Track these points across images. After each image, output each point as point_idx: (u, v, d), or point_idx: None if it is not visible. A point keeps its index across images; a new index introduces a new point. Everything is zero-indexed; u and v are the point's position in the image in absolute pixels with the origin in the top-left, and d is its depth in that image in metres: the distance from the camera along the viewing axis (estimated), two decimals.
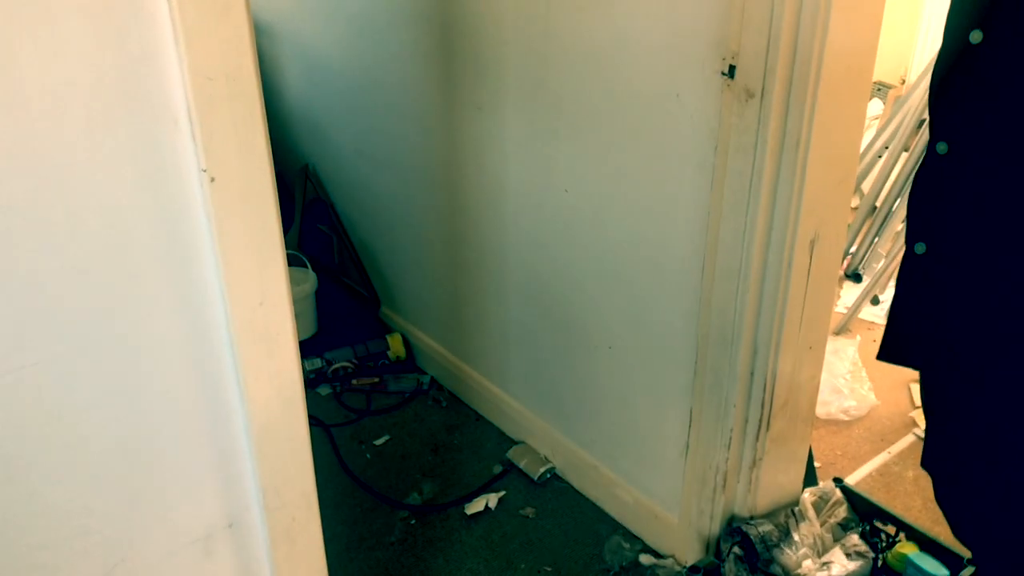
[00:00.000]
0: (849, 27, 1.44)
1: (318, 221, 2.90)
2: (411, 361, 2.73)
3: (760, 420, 1.76)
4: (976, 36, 0.93)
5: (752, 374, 1.71)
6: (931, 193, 1.02)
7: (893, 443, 2.47)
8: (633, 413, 2.00)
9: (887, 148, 3.30)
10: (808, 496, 1.91)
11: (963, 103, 0.97)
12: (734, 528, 1.82)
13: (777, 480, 1.86)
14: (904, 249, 1.06)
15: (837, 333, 2.98)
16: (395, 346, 2.68)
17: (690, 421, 1.83)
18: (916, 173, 1.03)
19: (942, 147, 0.99)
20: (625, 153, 1.76)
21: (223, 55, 0.90)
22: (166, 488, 1.07)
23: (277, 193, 1.01)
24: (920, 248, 1.03)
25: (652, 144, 1.70)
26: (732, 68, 1.49)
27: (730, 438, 1.77)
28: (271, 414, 1.09)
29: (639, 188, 1.76)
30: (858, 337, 2.89)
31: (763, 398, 1.73)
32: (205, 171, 0.93)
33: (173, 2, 0.86)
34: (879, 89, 4.01)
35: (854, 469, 2.35)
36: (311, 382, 2.61)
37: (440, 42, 2.13)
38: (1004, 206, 0.96)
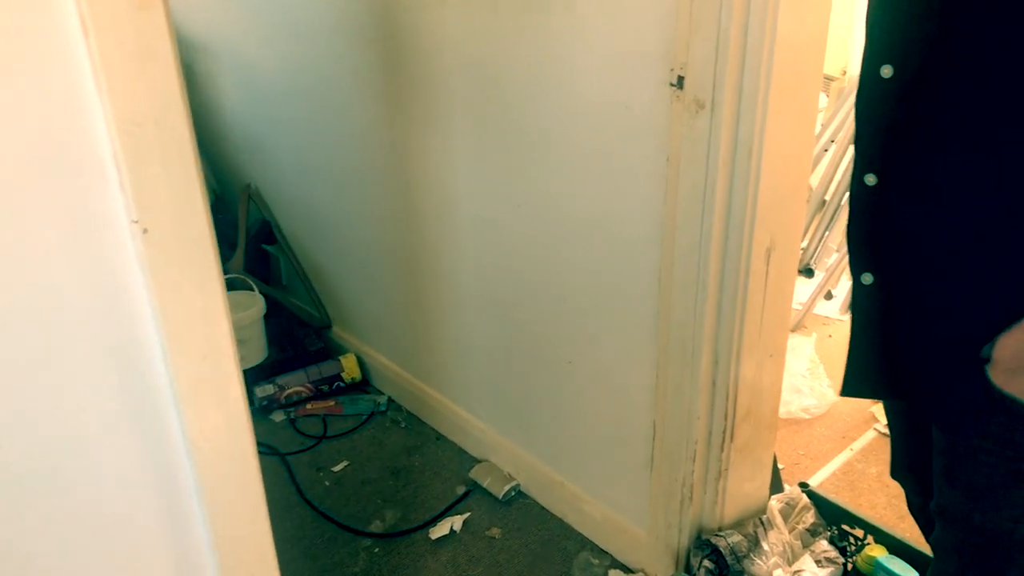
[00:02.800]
0: (798, 28, 1.42)
1: (264, 242, 2.83)
2: (367, 382, 2.67)
3: (724, 430, 1.74)
4: (887, 71, 0.92)
5: (714, 384, 1.69)
6: (868, 223, 1.01)
7: (855, 440, 2.48)
8: (596, 427, 1.97)
9: (833, 142, 3.32)
10: (775, 503, 1.89)
11: (882, 136, 0.97)
12: (703, 540, 1.80)
13: (744, 489, 1.85)
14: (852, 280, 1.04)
15: (793, 330, 2.98)
16: (350, 367, 2.62)
17: (654, 434, 1.81)
18: (849, 204, 1.02)
19: (871, 178, 0.98)
20: (577, 167, 1.73)
21: (150, 100, 0.85)
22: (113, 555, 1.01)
23: (215, 238, 0.96)
24: (867, 279, 1.01)
25: (604, 157, 1.67)
26: (681, 79, 1.46)
27: (695, 450, 1.74)
28: (221, 470, 1.03)
29: (593, 202, 1.73)
30: (814, 334, 2.90)
31: (726, 408, 1.71)
32: (137, 222, 0.88)
33: (94, 46, 0.81)
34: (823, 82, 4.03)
35: (817, 469, 2.35)
36: (264, 409, 2.54)
37: (383, 57, 2.07)
38: (934, 237, 0.95)
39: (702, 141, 1.46)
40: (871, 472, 2.33)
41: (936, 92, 0.91)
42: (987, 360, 0.95)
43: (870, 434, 2.49)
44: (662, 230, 1.60)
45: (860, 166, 0.99)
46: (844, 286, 3.15)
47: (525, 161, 1.83)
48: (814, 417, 2.54)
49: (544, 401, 2.08)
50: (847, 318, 3.02)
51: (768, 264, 1.60)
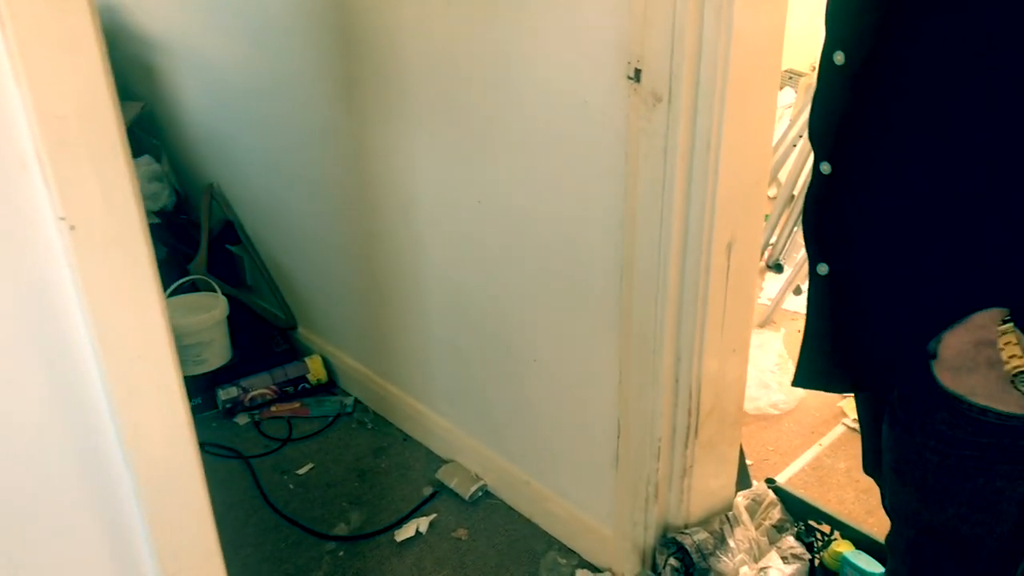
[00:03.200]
0: (755, 20, 1.40)
1: (227, 242, 2.79)
2: (333, 384, 2.64)
3: (688, 427, 1.72)
4: (839, 58, 0.92)
5: (677, 381, 1.67)
6: (823, 212, 0.99)
7: (824, 435, 2.47)
8: (561, 426, 1.95)
9: (802, 136, 3.32)
10: (741, 500, 1.88)
11: (836, 124, 0.95)
12: (669, 539, 1.78)
13: (709, 486, 1.83)
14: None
15: (761, 326, 2.97)
16: (315, 369, 2.58)
17: (618, 432, 1.79)
18: (806, 193, 1.00)
19: (825, 167, 0.96)
20: (537, 163, 1.71)
21: (74, 92, 0.82)
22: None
23: (149, 235, 0.93)
24: (822, 269, 0.99)
25: (563, 153, 1.65)
26: (638, 72, 1.44)
27: (659, 447, 1.72)
28: (161, 474, 1.00)
29: (553, 198, 1.71)
30: (783, 329, 2.89)
31: (689, 405, 1.70)
32: (63, 219, 0.84)
33: (11, 36, 0.77)
34: (790, 78, 4.02)
35: (786, 464, 2.34)
36: (228, 411, 2.50)
37: (342, 55, 2.04)
38: (886, 228, 0.93)
39: (660, 135, 1.45)
40: (840, 467, 2.32)
41: (886, 80, 0.89)
42: (933, 356, 0.93)
43: (839, 429, 2.49)
44: (623, 226, 1.59)
45: (816, 155, 0.98)
46: None
47: (485, 157, 1.81)
48: (783, 412, 2.53)
49: (510, 400, 2.05)
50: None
51: (729, 259, 1.59)
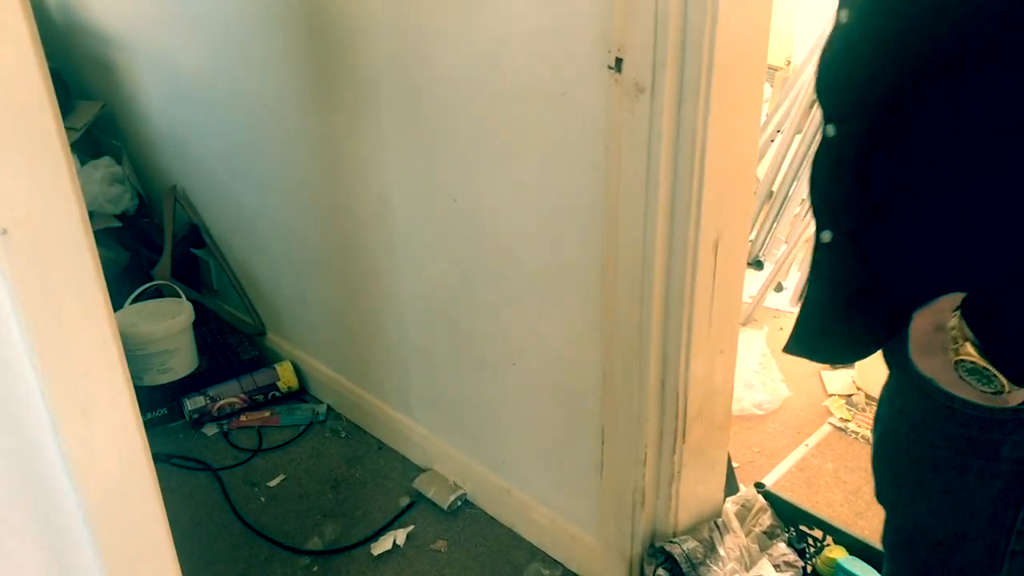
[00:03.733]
0: (741, 9, 1.34)
1: (192, 245, 2.70)
2: (304, 390, 2.55)
3: (675, 431, 1.65)
4: (843, 16, 0.86)
5: (663, 384, 1.61)
6: (827, 177, 0.93)
7: (809, 435, 2.42)
8: (543, 432, 1.87)
9: (780, 132, 3.27)
10: (731, 506, 1.82)
11: (842, 82, 0.89)
12: (657, 548, 1.72)
13: (698, 492, 1.77)
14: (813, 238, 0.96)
15: (743, 324, 2.92)
16: (286, 376, 2.50)
17: (602, 437, 1.72)
18: (813, 159, 0.93)
19: (830, 129, 0.90)
20: (514, 158, 1.64)
21: (2, 83, 0.74)
22: None
23: (92, 239, 0.84)
24: (826, 236, 0.93)
25: (541, 147, 1.58)
26: (619, 61, 1.37)
27: (645, 453, 1.66)
28: (113, 500, 0.92)
29: (531, 194, 1.64)
30: (765, 327, 2.83)
31: (676, 408, 1.63)
32: None
33: None
34: (767, 73, 3.98)
35: (773, 466, 2.28)
36: (195, 422, 2.41)
37: (309, 50, 1.96)
38: (891, 194, 0.87)
39: (643, 128, 1.38)
40: (827, 468, 2.27)
41: (895, 39, 0.82)
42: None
43: (825, 428, 2.43)
44: (603, 223, 1.52)
45: (824, 117, 0.92)
46: (794, 278, 3.10)
47: (460, 153, 1.73)
48: (767, 413, 2.48)
49: (489, 405, 1.98)
50: (797, 309, 2.97)
51: (716, 257, 1.52)
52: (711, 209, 1.46)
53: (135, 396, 0.92)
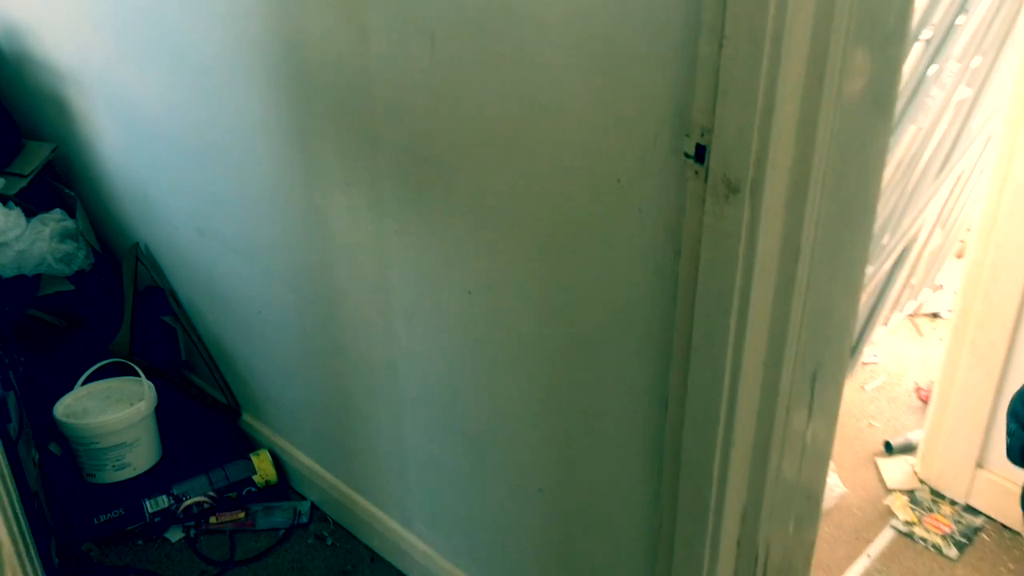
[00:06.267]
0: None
1: (158, 312, 2.34)
2: (286, 484, 2.20)
3: None
4: None
5: (739, 543, 1.27)
6: None
7: (870, 541, 2.09)
8: (573, 567, 1.54)
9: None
10: None
11: None
12: None
13: None
14: None
15: None
16: (263, 468, 2.15)
17: None
18: None
19: None
20: (546, 249, 1.30)
21: None
22: None
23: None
24: None
25: (583, 241, 1.24)
26: (702, 150, 1.04)
27: None
28: None
29: (569, 295, 1.31)
30: None
31: (754, 571, 1.30)
32: None
33: None
34: None
35: None
36: (156, 526, 2.06)
37: (295, 103, 1.62)
38: None
39: (733, 237, 1.04)
40: None
41: None
42: None
43: (887, 534, 2.11)
44: (665, 342, 1.18)
45: None
46: None
47: (479, 239, 1.40)
48: (823, 514, 2.14)
49: (506, 528, 1.65)
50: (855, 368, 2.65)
51: (812, 393, 1.19)
52: (812, 337, 1.13)
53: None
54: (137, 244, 2.31)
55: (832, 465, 2.26)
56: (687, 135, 1.05)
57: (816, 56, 0.96)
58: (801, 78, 0.97)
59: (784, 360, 1.13)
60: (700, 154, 1.04)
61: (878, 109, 1.06)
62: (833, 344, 1.20)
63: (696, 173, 1.06)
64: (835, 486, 2.20)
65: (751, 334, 1.10)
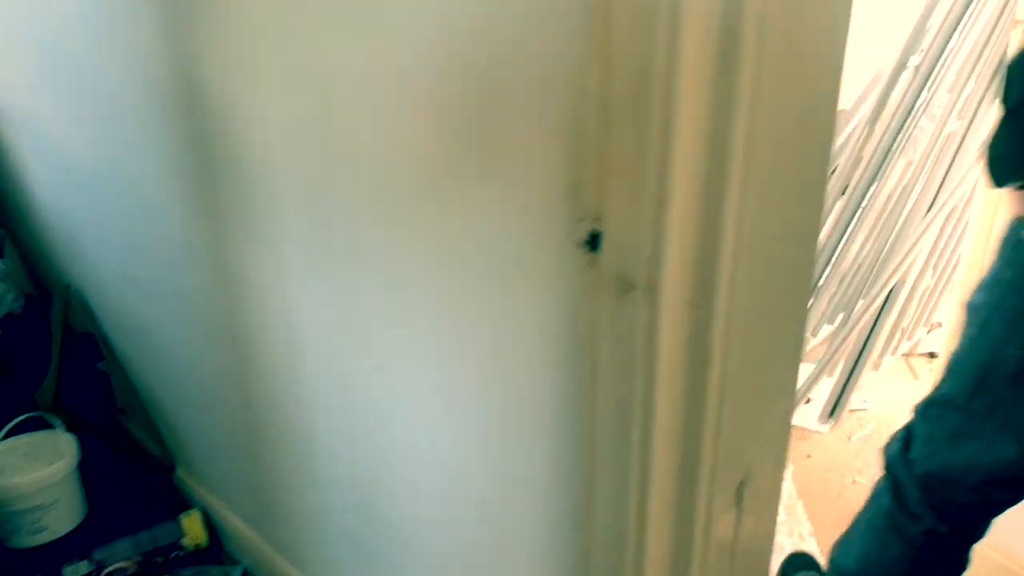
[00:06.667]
0: (789, 168, 0.85)
1: (95, 358, 2.21)
2: (217, 547, 2.06)
3: None
4: None
5: None
6: None
7: None
8: None
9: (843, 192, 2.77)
10: None
11: None
12: None
13: None
14: None
15: None
16: (193, 530, 2.01)
17: None
18: None
19: None
20: (448, 327, 1.15)
21: None
22: None
23: None
24: None
25: (485, 323, 1.09)
26: (594, 237, 0.88)
27: None
28: None
29: (472, 378, 1.15)
30: (791, 466, 2.34)
31: None
32: None
33: None
34: None
35: None
36: None
37: (204, 151, 1.47)
38: None
39: (631, 340, 0.89)
40: None
41: None
42: None
43: None
44: (574, 452, 1.03)
45: None
46: (825, 387, 2.59)
47: (381, 306, 1.25)
48: None
49: None
50: (828, 428, 2.47)
51: (740, 505, 1.03)
52: (736, 448, 0.98)
53: None
54: (68, 286, 2.18)
55: (809, 526, 2.10)
56: (579, 219, 0.89)
57: (717, 131, 0.80)
58: (701, 160, 0.81)
59: (701, 473, 0.97)
60: (594, 243, 0.89)
61: (805, 189, 0.91)
62: (765, 447, 1.05)
63: (591, 264, 0.90)
64: (810, 544, 2.04)
65: (658, 447, 0.94)
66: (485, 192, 0.99)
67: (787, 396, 1.04)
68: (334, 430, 1.48)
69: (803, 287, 0.96)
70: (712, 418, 0.93)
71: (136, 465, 2.16)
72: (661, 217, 0.81)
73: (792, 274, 0.93)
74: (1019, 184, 1.37)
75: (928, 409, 1.60)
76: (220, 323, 1.66)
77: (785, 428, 1.07)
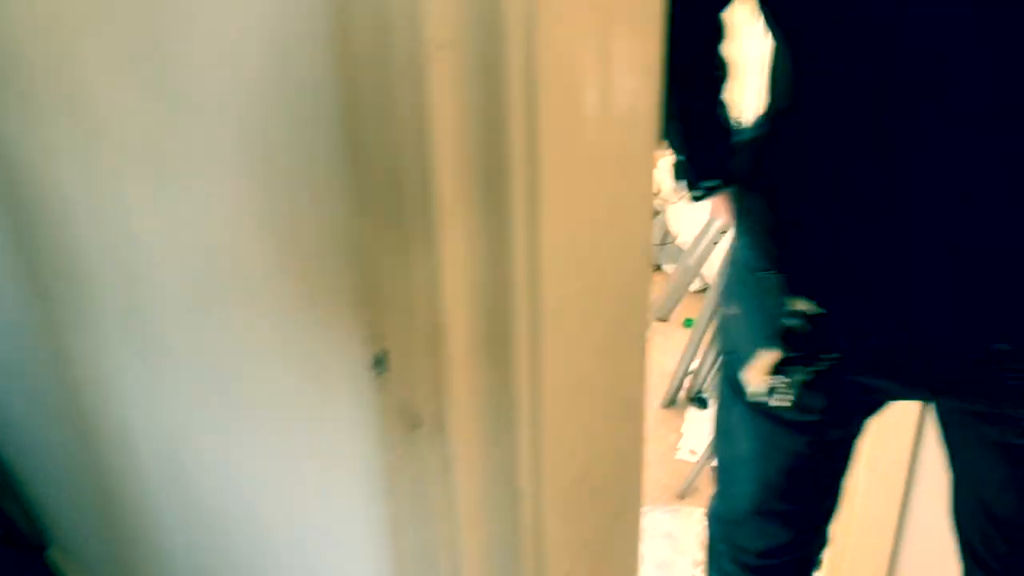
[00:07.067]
0: (584, 277, 0.74)
1: None
2: None
3: None
4: None
5: None
6: None
7: None
8: None
9: (723, 233, 2.69)
10: None
11: None
12: None
13: None
14: None
15: (681, 498, 2.32)
16: None
17: None
18: None
19: None
20: (272, 441, 1.03)
21: None
22: None
23: None
24: None
25: (299, 443, 0.97)
26: (380, 360, 0.76)
27: None
28: None
29: (298, 500, 1.03)
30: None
31: None
32: None
33: None
34: None
35: None
36: None
37: (22, 230, 1.34)
38: None
39: (427, 479, 0.77)
40: None
41: None
42: None
43: None
44: None
45: None
46: None
47: (199, 406, 1.13)
48: None
49: None
50: None
51: None
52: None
53: None
54: None
55: None
56: (368, 340, 0.78)
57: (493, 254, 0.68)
58: (479, 276, 0.69)
59: None
60: (380, 365, 0.77)
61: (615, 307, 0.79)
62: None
63: (382, 390, 0.78)
64: None
65: None
66: (293, 303, 0.87)
67: (628, 512, 0.93)
68: (176, 524, 1.35)
69: (630, 414, 0.84)
70: (530, 565, 0.81)
71: (6, 544, 2.01)
72: (439, 348, 0.70)
73: (613, 399, 0.82)
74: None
75: None
76: (60, 407, 1.53)
77: (632, 566, 0.95)
